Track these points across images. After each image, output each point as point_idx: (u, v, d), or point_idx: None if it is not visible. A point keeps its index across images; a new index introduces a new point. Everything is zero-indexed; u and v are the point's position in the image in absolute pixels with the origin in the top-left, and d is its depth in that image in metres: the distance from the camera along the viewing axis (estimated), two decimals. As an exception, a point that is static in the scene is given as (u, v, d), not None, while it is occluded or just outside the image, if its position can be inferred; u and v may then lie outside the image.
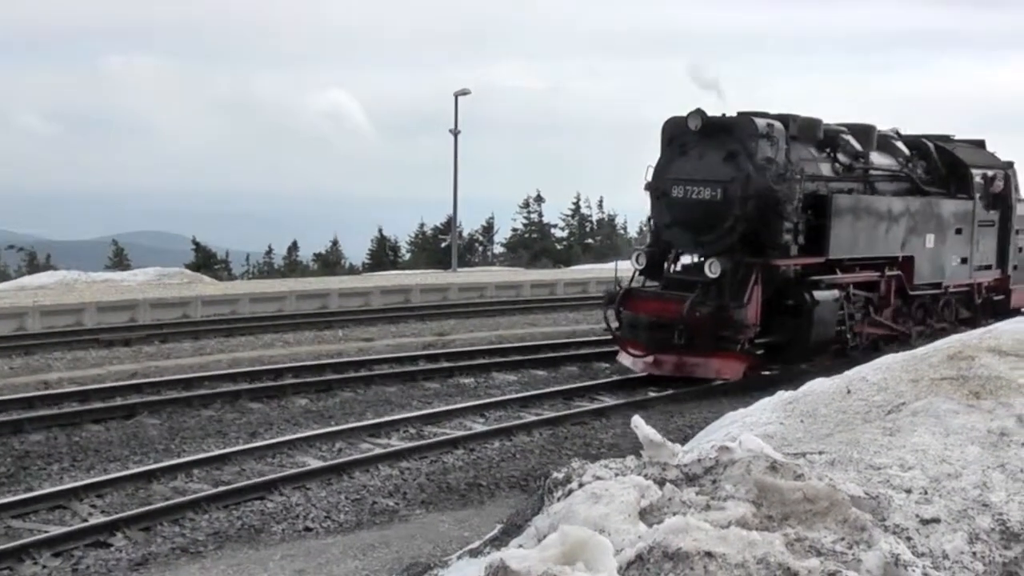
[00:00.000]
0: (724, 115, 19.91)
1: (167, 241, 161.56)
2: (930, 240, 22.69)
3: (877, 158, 22.57)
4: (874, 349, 20.58)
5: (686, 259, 20.90)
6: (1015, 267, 26.20)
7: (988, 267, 25.28)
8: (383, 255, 66.56)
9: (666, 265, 20.96)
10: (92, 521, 11.57)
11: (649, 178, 20.38)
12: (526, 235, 69.33)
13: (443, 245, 62.52)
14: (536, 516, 5.76)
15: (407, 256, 67.62)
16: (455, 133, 44.18)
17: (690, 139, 19.92)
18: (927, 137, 24.62)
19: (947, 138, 25.26)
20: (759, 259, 19.21)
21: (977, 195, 24.22)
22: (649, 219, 21.66)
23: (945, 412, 7.80)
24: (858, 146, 21.94)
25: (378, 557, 10.02)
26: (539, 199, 71.57)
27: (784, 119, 20.11)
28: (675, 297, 19.48)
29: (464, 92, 44.08)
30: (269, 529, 11.55)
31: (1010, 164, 25.90)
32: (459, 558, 5.98)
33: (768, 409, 9.12)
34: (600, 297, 22.23)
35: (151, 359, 20.98)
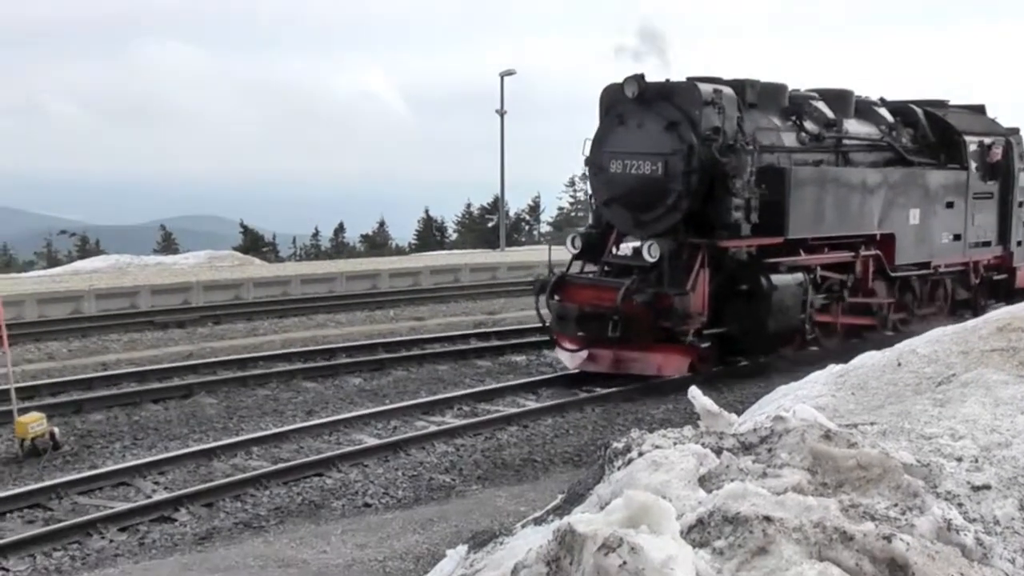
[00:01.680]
0: (668, 80, 18.04)
1: (212, 224, 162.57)
2: (914, 215, 20.82)
3: (854, 126, 20.78)
4: (855, 336, 19.96)
5: (635, 242, 18.73)
6: (1019, 243, 24.14)
7: (987, 244, 23.24)
8: (430, 236, 66.84)
9: (609, 248, 19.02)
10: (156, 497, 11.88)
11: (587, 152, 18.69)
12: (572, 213, 69.38)
13: (490, 225, 62.67)
14: (598, 485, 5.92)
15: (454, 236, 67.88)
16: (501, 114, 44.21)
17: (628, 108, 18.03)
18: (916, 103, 22.74)
19: (941, 103, 23.37)
20: (705, 240, 17.49)
21: (972, 165, 22.36)
22: (590, 197, 19.85)
23: (995, 383, 7.90)
24: (830, 113, 20.14)
25: (437, 531, 10.21)
26: (584, 177, 71.33)
27: (739, 84, 18.49)
28: (611, 284, 17.73)
29: (510, 72, 44.04)
30: (329, 505, 11.80)
31: (1014, 131, 23.99)
32: (523, 526, 6.16)
33: (819, 382, 9.26)
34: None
35: (206, 340, 21.32)
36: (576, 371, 17.98)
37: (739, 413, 8.17)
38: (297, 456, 13.47)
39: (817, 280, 18.88)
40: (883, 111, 21.71)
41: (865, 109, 21.43)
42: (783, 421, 5.99)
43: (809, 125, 19.55)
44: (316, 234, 70.99)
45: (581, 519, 4.69)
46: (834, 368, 9.71)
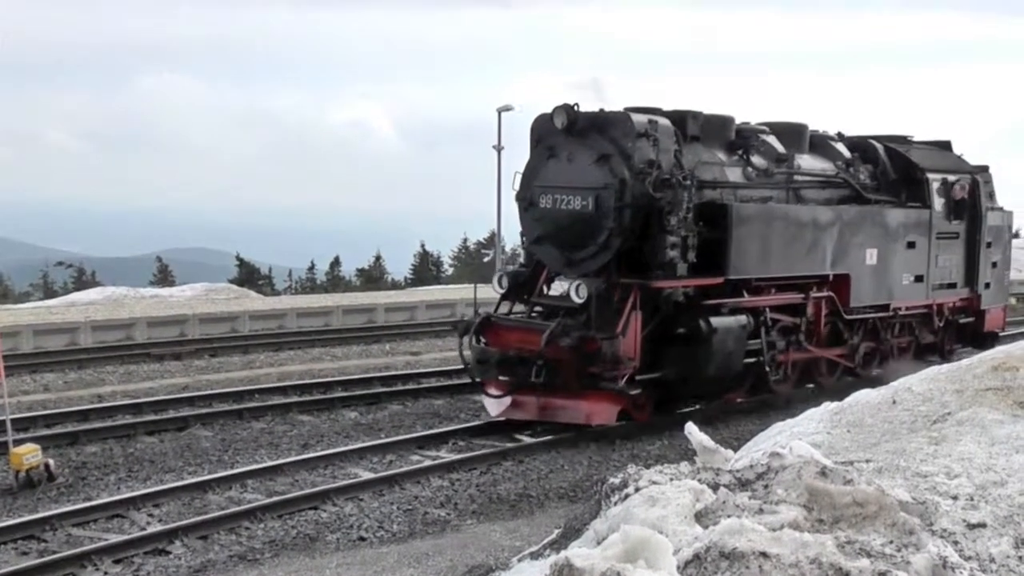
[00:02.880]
0: (602, 110, 16.98)
1: (208, 257, 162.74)
2: (871, 255, 19.72)
3: (808, 161, 19.73)
4: (808, 382, 19.51)
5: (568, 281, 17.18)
6: (987, 285, 23.05)
7: (952, 285, 22.16)
8: (426, 270, 66.88)
9: (540, 288, 17.90)
10: (151, 529, 11.83)
11: (517, 186, 17.67)
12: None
13: (486, 260, 62.67)
14: (594, 520, 5.96)
15: (450, 271, 67.89)
16: (499, 149, 44.27)
17: (559, 140, 17.01)
18: (877, 138, 21.85)
19: (903, 139, 22.48)
20: (637, 280, 16.33)
21: (936, 203, 21.32)
22: (522, 235, 18.57)
23: (990, 422, 7.96)
24: (780, 148, 19.04)
25: (433, 565, 10.22)
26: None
27: (680, 116, 17.43)
28: (536, 327, 16.64)
29: (507, 108, 44.10)
30: (324, 538, 11.77)
31: (982, 168, 23.05)
32: (520, 560, 6.19)
33: (815, 419, 9.30)
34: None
35: (202, 373, 21.34)
36: (501, 418, 16.85)
37: (735, 450, 8.20)
38: (292, 489, 13.42)
39: (767, 323, 17.86)
40: (840, 146, 20.87)
41: (821, 144, 20.59)
42: (779, 457, 6.03)
43: (757, 160, 18.48)
44: (312, 267, 71.03)
45: (578, 554, 4.72)
46: (830, 405, 9.75)
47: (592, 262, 16.68)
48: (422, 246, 69.94)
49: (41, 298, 49.53)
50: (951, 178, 21.77)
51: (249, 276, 62.60)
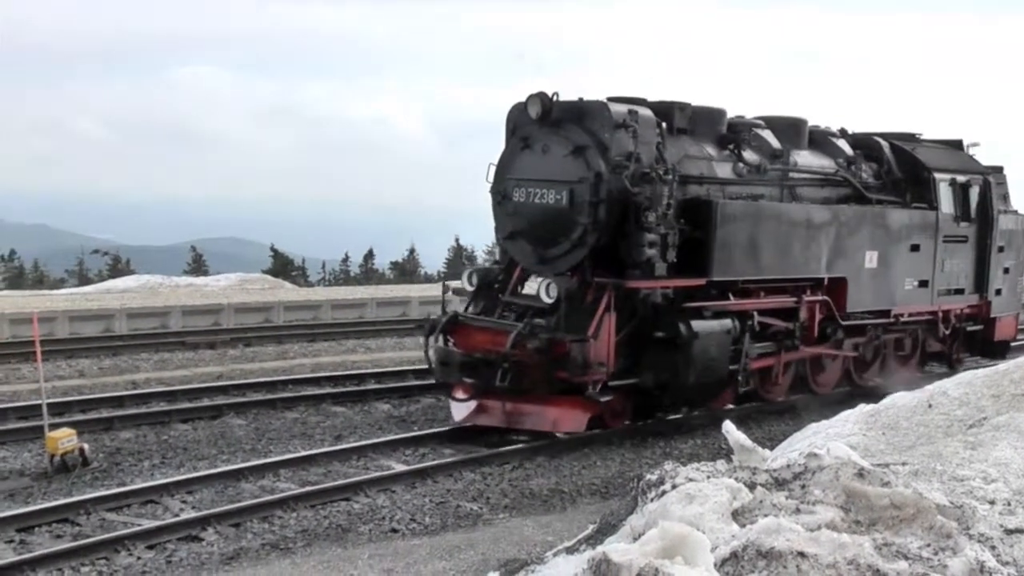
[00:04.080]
0: (582, 99, 16.08)
1: (240, 247, 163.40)
2: (871, 258, 18.73)
3: (806, 158, 18.75)
4: (804, 390, 18.86)
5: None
6: (998, 291, 22.06)
7: (959, 291, 21.13)
8: (460, 264, 66.90)
9: (514, 287, 17.01)
10: (184, 516, 11.90)
11: (491, 178, 16.80)
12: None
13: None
14: (631, 516, 5.97)
15: (485, 265, 67.76)
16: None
17: (533, 130, 16.14)
18: (883, 135, 20.81)
19: (911, 136, 21.42)
20: (612, 280, 15.40)
21: (943, 204, 20.30)
22: (496, 231, 17.45)
23: (1027, 427, 7.93)
24: (775, 143, 18.05)
25: (465, 558, 10.24)
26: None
27: (667, 107, 16.62)
28: (505, 328, 15.72)
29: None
30: (356, 529, 11.80)
31: (995, 169, 22.21)
32: (555, 555, 6.20)
33: (850, 421, 9.29)
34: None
35: (235, 362, 21.43)
36: (466, 424, 15.93)
37: (769, 449, 8.19)
38: (325, 480, 13.48)
39: (752, 327, 16.84)
40: (842, 143, 19.79)
41: (821, 140, 19.52)
42: (817, 458, 6.03)
43: (749, 155, 17.46)
44: (346, 259, 71.15)
45: (616, 549, 4.74)
46: (865, 408, 9.74)
47: (565, 260, 15.89)
48: (456, 240, 70.00)
49: (76, 285, 49.84)
50: (960, 178, 20.83)
51: (283, 267, 62.75)
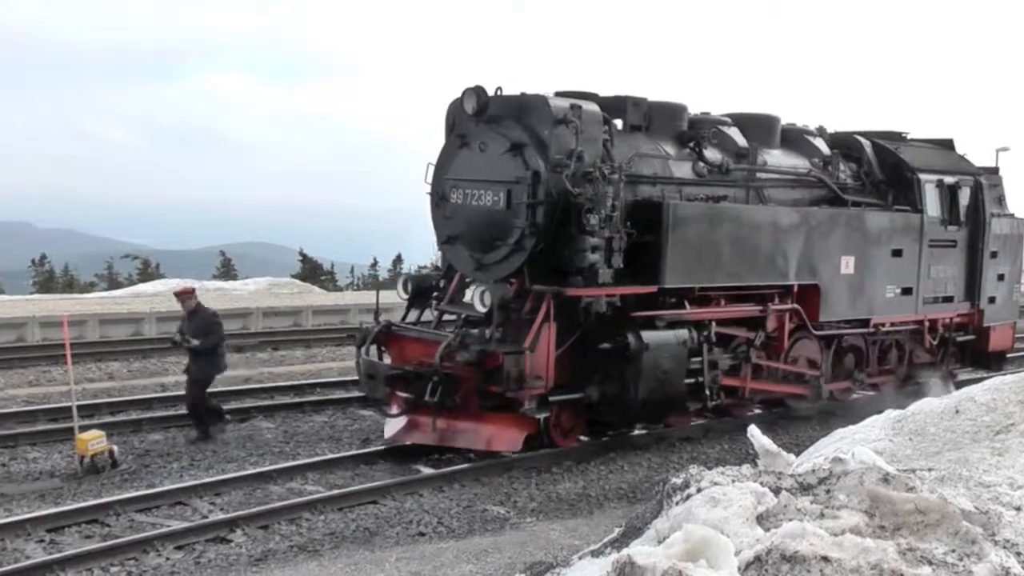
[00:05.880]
0: (524, 93, 15.03)
1: (269, 252, 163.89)
2: (847, 263, 17.55)
3: (777, 157, 17.67)
4: (777, 404, 18.02)
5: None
6: (992, 299, 20.75)
7: (948, 299, 19.87)
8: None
9: (452, 295, 16.24)
10: (212, 518, 12.00)
11: (430, 178, 15.82)
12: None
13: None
14: (656, 519, 5.99)
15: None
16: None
17: (471, 127, 15.16)
18: (866, 134, 19.66)
19: (897, 135, 20.27)
20: (551, 288, 14.23)
21: (929, 207, 19.10)
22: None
23: (1055, 434, 7.91)
24: (742, 141, 17.02)
25: (492, 562, 10.26)
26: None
27: (620, 102, 15.77)
28: (439, 339, 14.70)
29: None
30: (383, 532, 11.85)
31: (990, 171, 21.24)
32: (580, 558, 6.23)
33: (877, 427, 9.28)
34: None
35: (264, 365, 21.57)
36: (398, 443, 14.95)
37: (795, 455, 8.20)
38: (352, 483, 13.56)
39: (710, 338, 15.84)
40: (819, 142, 18.68)
41: (795, 139, 18.43)
42: (842, 463, 6.04)
43: (711, 154, 16.42)
44: (375, 264, 71.36)
45: (641, 551, 4.76)
46: (892, 413, 9.72)
47: (503, 266, 14.85)
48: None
49: (106, 289, 50.14)
50: (948, 179, 19.59)
51: (312, 272, 62.97)
